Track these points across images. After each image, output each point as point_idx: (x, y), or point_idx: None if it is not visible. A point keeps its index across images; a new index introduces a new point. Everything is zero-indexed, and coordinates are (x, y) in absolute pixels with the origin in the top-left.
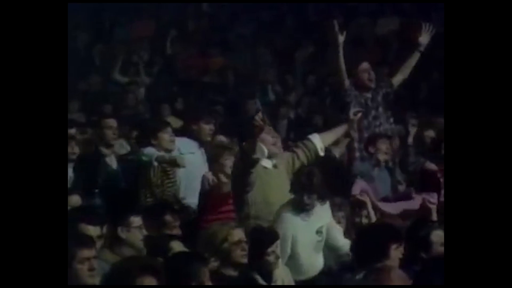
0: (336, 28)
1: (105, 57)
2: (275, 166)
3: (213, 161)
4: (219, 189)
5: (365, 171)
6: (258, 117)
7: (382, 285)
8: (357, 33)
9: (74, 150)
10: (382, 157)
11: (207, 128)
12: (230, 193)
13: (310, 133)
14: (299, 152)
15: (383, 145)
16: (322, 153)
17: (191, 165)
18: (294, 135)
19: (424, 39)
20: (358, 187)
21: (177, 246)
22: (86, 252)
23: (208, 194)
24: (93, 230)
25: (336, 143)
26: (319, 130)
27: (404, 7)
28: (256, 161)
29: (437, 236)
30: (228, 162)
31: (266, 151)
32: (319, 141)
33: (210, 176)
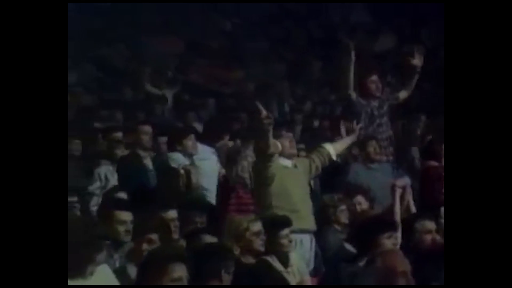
0: (351, 47)
1: (139, 71)
2: (295, 166)
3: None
4: (227, 182)
5: (359, 171)
6: (265, 114)
7: (382, 285)
8: (358, 49)
9: (123, 152)
10: (371, 157)
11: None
12: (237, 186)
13: (321, 137)
14: (314, 157)
15: (371, 147)
16: (334, 158)
17: (207, 169)
18: (308, 140)
19: (418, 61)
20: (403, 180)
21: (208, 239)
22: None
23: (222, 184)
24: (126, 215)
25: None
26: (329, 135)
27: (402, 24)
28: (272, 155)
29: (421, 225)
30: (243, 162)
31: (279, 146)
32: (331, 148)
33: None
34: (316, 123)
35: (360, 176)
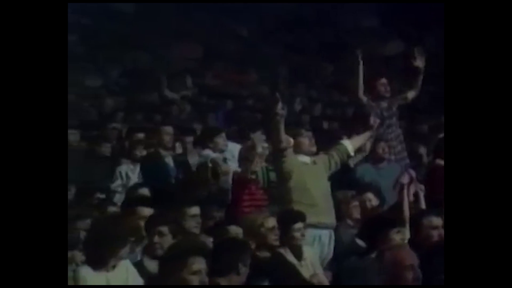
0: (359, 57)
1: (159, 77)
2: (314, 162)
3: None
4: (241, 177)
5: (368, 170)
6: (279, 106)
7: (387, 285)
8: (369, 54)
9: (141, 152)
10: (380, 156)
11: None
12: (250, 182)
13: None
14: (334, 153)
15: (379, 148)
16: (352, 153)
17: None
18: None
19: (419, 62)
20: (408, 177)
21: (233, 230)
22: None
23: (235, 181)
24: (147, 211)
25: (359, 150)
26: (339, 134)
27: (408, 31)
28: (284, 149)
29: (428, 221)
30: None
31: (291, 141)
32: (349, 144)
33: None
34: (325, 125)
35: (369, 175)
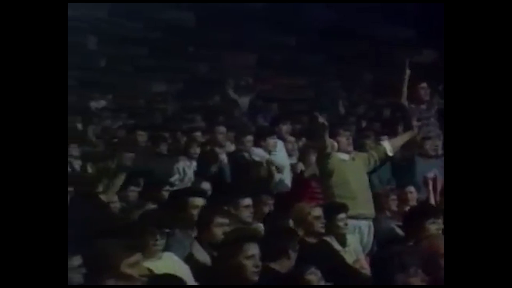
0: (407, 64)
1: (224, 81)
2: (353, 159)
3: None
4: (303, 174)
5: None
6: (321, 119)
7: (390, 285)
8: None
9: (195, 150)
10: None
11: (284, 128)
12: (312, 178)
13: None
14: (373, 152)
15: (427, 145)
16: (391, 154)
17: (280, 161)
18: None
19: None
20: (432, 173)
21: (287, 223)
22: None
23: (298, 177)
24: (199, 201)
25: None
26: (378, 135)
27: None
28: (329, 153)
29: None
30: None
31: (336, 145)
32: (388, 145)
33: (300, 165)
34: (365, 126)
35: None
